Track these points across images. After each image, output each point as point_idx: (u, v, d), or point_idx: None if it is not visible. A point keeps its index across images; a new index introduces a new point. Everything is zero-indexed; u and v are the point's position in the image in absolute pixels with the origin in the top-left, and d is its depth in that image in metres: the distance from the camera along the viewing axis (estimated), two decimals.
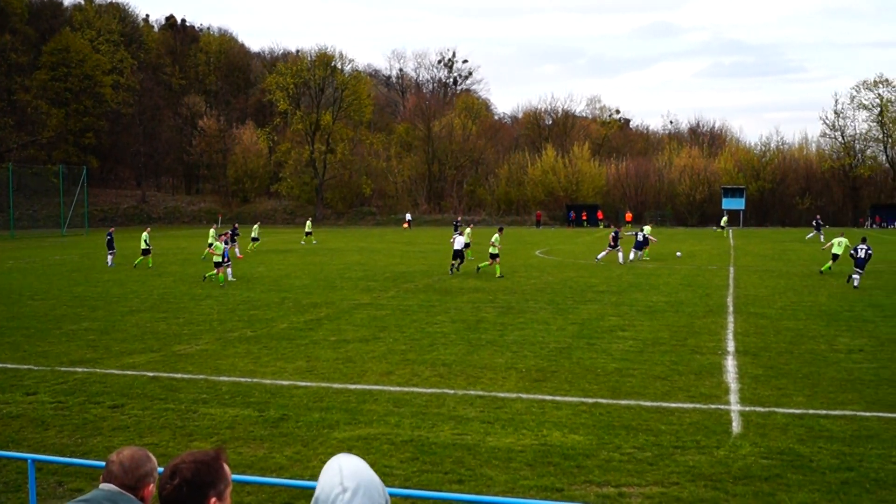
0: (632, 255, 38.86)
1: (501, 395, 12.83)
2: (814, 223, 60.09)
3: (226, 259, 29.83)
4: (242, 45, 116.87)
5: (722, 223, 73.68)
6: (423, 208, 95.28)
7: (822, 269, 32.58)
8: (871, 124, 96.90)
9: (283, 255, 43.28)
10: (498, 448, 10.12)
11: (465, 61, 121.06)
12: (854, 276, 27.81)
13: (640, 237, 39.67)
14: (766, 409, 11.93)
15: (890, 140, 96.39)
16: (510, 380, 13.86)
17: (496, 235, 32.56)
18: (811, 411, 11.84)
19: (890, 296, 25.21)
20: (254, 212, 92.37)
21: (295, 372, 14.60)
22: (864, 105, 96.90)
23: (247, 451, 10.08)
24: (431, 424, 11.16)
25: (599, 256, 38.69)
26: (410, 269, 34.98)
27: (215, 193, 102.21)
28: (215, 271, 29.47)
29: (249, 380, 13.98)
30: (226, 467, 3.17)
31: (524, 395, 12.76)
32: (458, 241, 34.05)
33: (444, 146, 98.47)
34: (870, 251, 28.16)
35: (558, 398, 12.63)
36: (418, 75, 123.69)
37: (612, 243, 38.53)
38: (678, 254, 41.61)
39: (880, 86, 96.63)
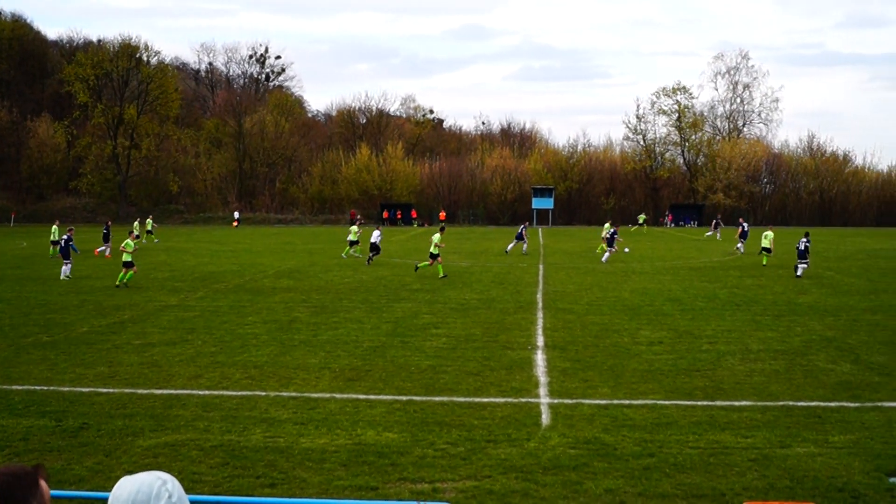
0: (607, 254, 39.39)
1: (315, 395, 12.74)
2: (714, 222, 64.38)
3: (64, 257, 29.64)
4: (38, 32, 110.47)
5: (640, 220, 77.21)
6: (233, 206, 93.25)
7: (763, 262, 36.42)
8: (670, 129, 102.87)
9: (83, 256, 41.19)
10: (311, 449, 10.04)
11: (279, 57, 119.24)
12: (800, 265, 31.30)
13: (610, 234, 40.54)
14: (574, 401, 12.40)
15: (687, 144, 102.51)
16: (324, 380, 13.78)
17: (437, 235, 31.83)
18: (615, 401, 12.41)
19: (686, 291, 26.76)
20: (50, 209, 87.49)
21: (96, 378, 13.95)
22: (664, 111, 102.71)
23: (43, 463, 9.53)
24: (242, 428, 10.94)
25: (604, 259, 38.66)
26: (221, 269, 34.17)
27: (7, 189, 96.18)
28: (123, 271, 27.68)
29: (45, 388, 13.23)
30: (43, 485, 2.96)
31: (338, 395, 12.72)
32: (375, 235, 37.23)
33: (256, 143, 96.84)
34: (808, 244, 31.87)
35: (372, 397, 12.66)
36: (229, 70, 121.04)
37: (608, 243, 39.83)
38: (626, 250, 43.90)
39: (678, 93, 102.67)
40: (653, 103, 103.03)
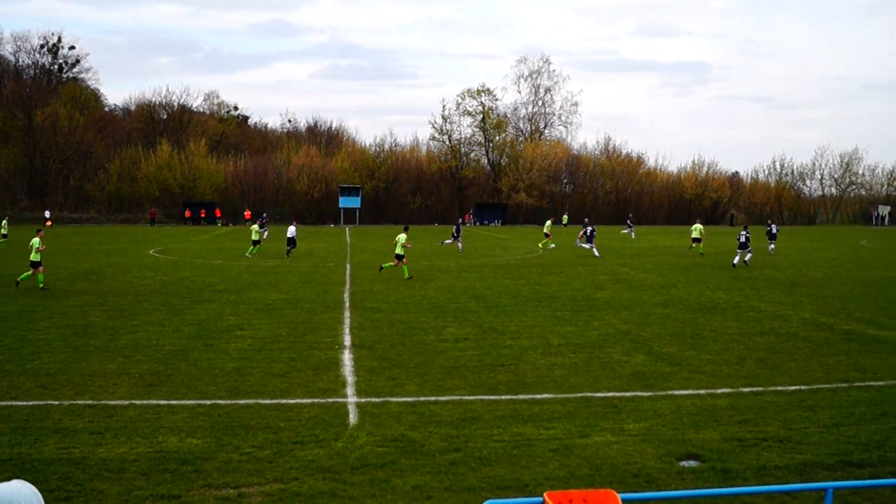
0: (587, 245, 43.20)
1: (113, 402, 12.20)
2: (628, 221, 67.94)
3: None
4: None
5: (563, 220, 78.85)
6: (22, 205, 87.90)
7: (700, 251, 43.48)
8: (475, 129, 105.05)
9: None
10: (109, 459, 9.62)
11: (73, 48, 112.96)
12: (741, 253, 36.76)
13: (589, 231, 43.60)
14: (381, 399, 12.47)
15: (491, 144, 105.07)
16: (122, 386, 13.22)
17: (402, 235, 30.89)
18: (422, 398, 12.57)
19: (491, 288, 27.45)
20: None
21: None
22: (469, 112, 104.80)
23: None
24: (34, 440, 10.34)
25: (596, 253, 42.02)
26: (7, 271, 32.09)
27: None
28: (30, 272, 25.88)
29: None
30: None
31: (137, 402, 12.25)
32: (290, 230, 41.26)
33: (48, 138, 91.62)
34: (749, 235, 37.09)
35: (174, 402, 12.27)
36: (17, 60, 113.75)
37: (588, 240, 43.01)
38: (552, 246, 47.31)
39: (483, 94, 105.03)
40: (458, 104, 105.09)
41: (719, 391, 13.27)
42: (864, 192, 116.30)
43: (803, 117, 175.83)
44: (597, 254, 41.98)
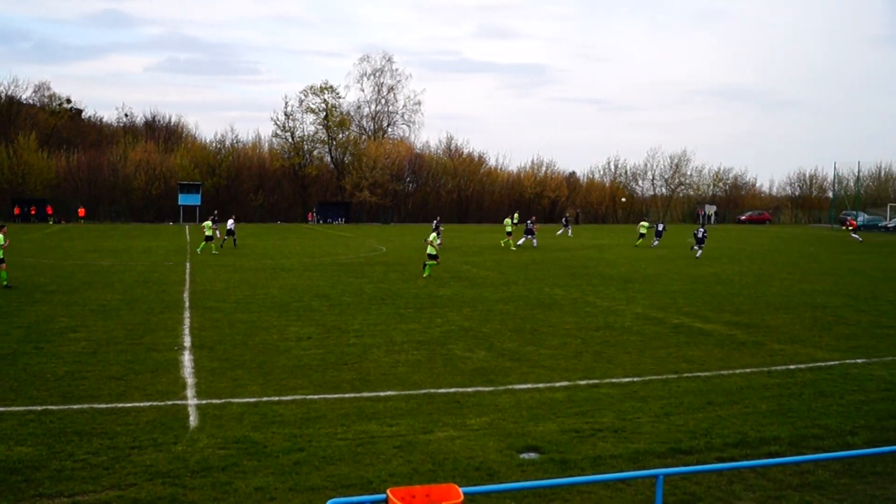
0: (522, 241, 48.92)
1: None
2: (563, 220, 69.19)
3: None
4: None
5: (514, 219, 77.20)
6: None
7: (637, 243, 50.73)
8: (318, 127, 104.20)
9: None
10: None
11: None
12: (696, 248, 43.63)
13: (530, 224, 50.40)
14: (223, 401, 12.23)
15: (334, 142, 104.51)
16: None
17: (433, 234, 31.09)
18: (265, 399, 12.40)
19: (334, 286, 27.35)
20: None
21: None
22: (312, 109, 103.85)
23: None
24: None
25: (521, 242, 48.64)
26: None
27: None
28: None
29: None
30: None
31: None
32: (230, 223, 46.03)
33: None
34: (706, 233, 44.39)
35: (2, 409, 11.66)
36: None
37: (529, 233, 49.35)
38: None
39: (326, 92, 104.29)
40: (301, 101, 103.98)
41: (557, 384, 13.67)
42: (691, 192, 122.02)
43: (636, 119, 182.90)
44: (535, 244, 48.91)
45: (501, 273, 32.96)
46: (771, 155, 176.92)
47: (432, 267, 31.33)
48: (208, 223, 42.00)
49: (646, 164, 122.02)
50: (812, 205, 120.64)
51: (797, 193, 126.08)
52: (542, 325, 19.93)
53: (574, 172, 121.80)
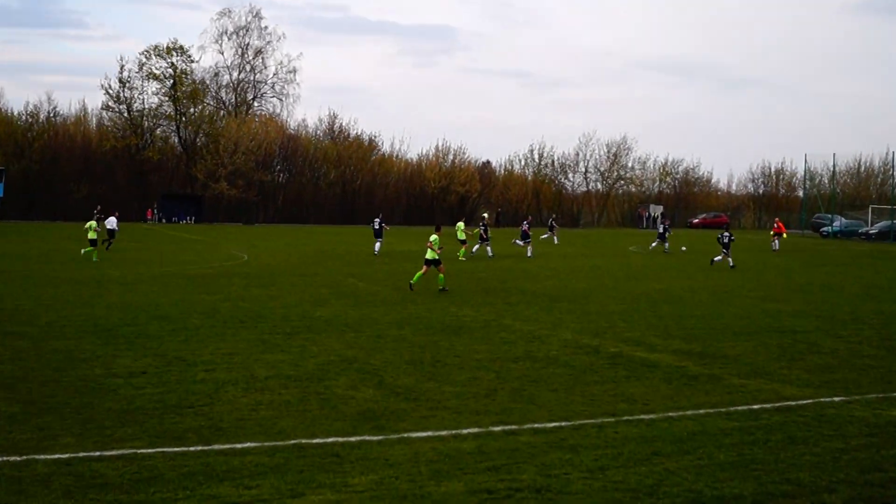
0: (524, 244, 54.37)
1: None
2: (549, 224, 72.87)
3: None
4: None
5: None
6: None
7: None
8: (163, 99, 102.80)
9: None
10: None
11: None
12: (719, 258, 48.18)
13: (525, 226, 56.28)
14: (24, 458, 11.78)
15: (184, 119, 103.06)
16: None
17: (434, 236, 32.28)
18: (82, 454, 11.98)
19: (179, 305, 26.89)
20: None
21: None
22: (156, 75, 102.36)
23: None
24: None
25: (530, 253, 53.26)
26: None
27: None
28: None
29: None
30: None
31: None
32: (111, 222, 48.78)
33: None
34: (732, 237, 48.78)
35: None
36: None
37: (524, 236, 55.04)
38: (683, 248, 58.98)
39: (174, 54, 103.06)
40: (141, 65, 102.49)
41: (465, 431, 13.57)
42: (633, 189, 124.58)
43: (565, 98, 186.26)
44: (529, 254, 52.85)
45: (396, 288, 32.90)
46: (729, 145, 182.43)
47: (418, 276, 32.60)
48: (92, 223, 42.80)
49: (577, 154, 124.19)
50: (779, 205, 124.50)
51: (761, 191, 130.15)
52: (446, 354, 19.87)
53: (489, 162, 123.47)
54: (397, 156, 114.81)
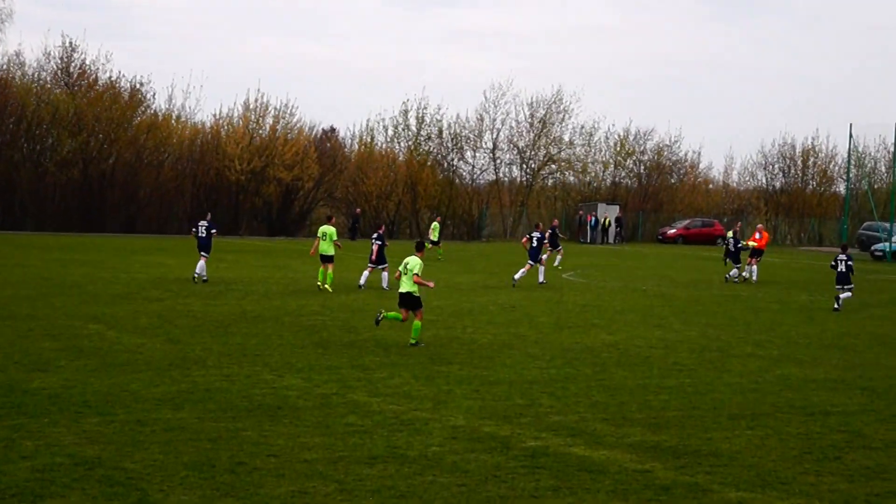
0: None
1: None
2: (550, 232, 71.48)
3: None
4: None
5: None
6: None
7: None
8: None
9: None
10: None
11: None
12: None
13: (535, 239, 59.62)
14: None
15: None
16: None
17: (414, 259, 33.70)
18: None
19: None
20: None
21: None
22: None
23: None
24: None
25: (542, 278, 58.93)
26: None
27: None
28: None
29: None
30: None
31: None
32: None
33: None
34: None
35: None
36: None
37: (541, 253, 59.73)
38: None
39: None
40: None
41: None
42: (572, 179, 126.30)
43: (462, 22, 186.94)
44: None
45: (172, 340, 32.41)
46: (728, 108, 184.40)
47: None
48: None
49: (481, 119, 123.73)
50: (805, 206, 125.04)
51: (777, 185, 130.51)
52: (254, 453, 19.54)
53: (334, 130, 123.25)
54: (179, 117, 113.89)
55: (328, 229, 48.78)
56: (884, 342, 37.09)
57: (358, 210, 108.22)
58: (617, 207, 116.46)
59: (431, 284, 34.94)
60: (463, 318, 40.41)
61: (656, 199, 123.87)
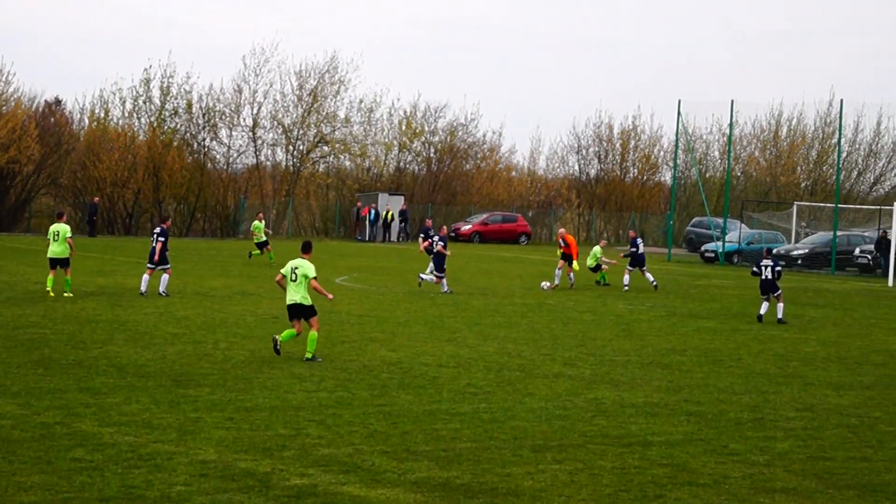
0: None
1: None
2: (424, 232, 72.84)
3: None
4: None
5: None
6: None
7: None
8: None
9: None
10: None
11: None
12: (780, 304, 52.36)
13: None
14: None
15: None
16: None
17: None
18: None
19: None
20: None
21: None
22: None
23: None
24: None
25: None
26: None
27: None
28: None
29: None
30: None
31: None
32: None
33: None
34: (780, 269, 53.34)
35: None
36: None
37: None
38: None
39: None
40: None
41: None
42: (348, 164, 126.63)
43: None
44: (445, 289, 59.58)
45: None
46: (534, 81, 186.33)
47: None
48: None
49: (238, 90, 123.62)
50: (624, 198, 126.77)
51: (592, 173, 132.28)
52: None
53: (60, 102, 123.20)
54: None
55: (60, 227, 48.24)
56: (714, 360, 37.62)
57: (96, 199, 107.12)
58: (402, 198, 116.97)
59: (331, 296, 35.25)
60: (215, 332, 40.24)
61: (448, 189, 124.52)
